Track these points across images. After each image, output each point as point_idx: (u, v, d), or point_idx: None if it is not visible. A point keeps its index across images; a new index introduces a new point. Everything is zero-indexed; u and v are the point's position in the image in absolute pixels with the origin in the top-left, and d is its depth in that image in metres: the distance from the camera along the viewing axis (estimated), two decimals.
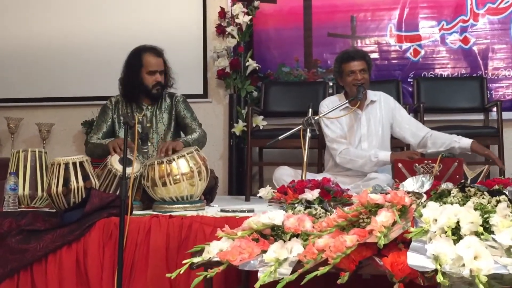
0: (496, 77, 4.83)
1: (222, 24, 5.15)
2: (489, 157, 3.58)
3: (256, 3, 5.11)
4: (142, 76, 3.58)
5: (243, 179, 4.88)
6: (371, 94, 3.85)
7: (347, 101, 3.68)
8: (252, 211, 2.90)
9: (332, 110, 3.62)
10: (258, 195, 2.99)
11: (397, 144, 4.12)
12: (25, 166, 3.40)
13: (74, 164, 3.02)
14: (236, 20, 5.05)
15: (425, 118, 4.44)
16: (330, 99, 3.95)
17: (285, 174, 3.62)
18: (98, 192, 2.92)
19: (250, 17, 5.06)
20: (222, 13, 5.15)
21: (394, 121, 3.84)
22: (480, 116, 4.76)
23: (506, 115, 4.54)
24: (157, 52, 3.63)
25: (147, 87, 3.59)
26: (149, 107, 3.67)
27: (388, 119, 3.84)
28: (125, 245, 2.64)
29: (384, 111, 3.84)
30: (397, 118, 3.84)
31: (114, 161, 3.16)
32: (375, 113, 3.83)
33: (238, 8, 5.04)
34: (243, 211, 2.92)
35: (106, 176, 3.14)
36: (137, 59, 3.60)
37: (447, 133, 4.14)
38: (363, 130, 3.80)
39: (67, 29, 5.50)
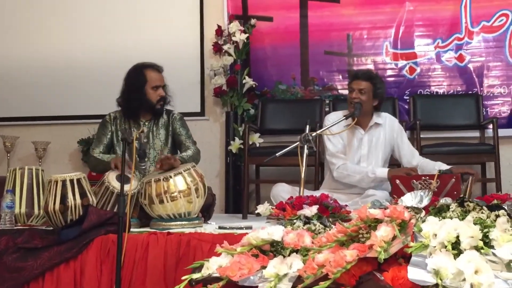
0: (491, 95, 4.86)
1: (219, 42, 5.18)
2: (466, 172, 3.51)
3: (253, 21, 5.15)
4: (146, 91, 3.61)
5: (240, 197, 4.86)
6: (377, 117, 3.88)
7: (344, 117, 3.71)
8: (250, 228, 2.89)
9: (333, 125, 3.66)
10: (256, 211, 2.98)
11: (395, 162, 4.12)
12: (21, 184, 3.38)
13: (72, 181, 3.01)
14: (233, 38, 5.08)
15: (421, 136, 4.46)
16: (336, 114, 3.98)
17: (282, 191, 3.63)
18: (96, 209, 2.91)
19: (247, 35, 5.09)
20: (219, 31, 5.18)
21: (395, 144, 3.89)
22: (476, 133, 4.78)
23: (502, 132, 4.56)
24: (158, 67, 3.69)
25: (151, 102, 3.61)
26: (147, 123, 3.68)
27: (390, 142, 3.88)
28: (123, 263, 2.63)
29: (388, 135, 3.88)
30: (398, 143, 3.89)
31: (112, 178, 3.16)
32: (378, 136, 3.86)
33: (235, 26, 5.07)
34: (241, 228, 2.92)
35: (104, 193, 3.13)
36: (140, 75, 3.63)
37: (443, 150, 4.21)
38: (363, 151, 3.83)
39: (64, 48, 5.52)
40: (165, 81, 3.71)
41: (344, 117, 3.72)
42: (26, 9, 5.63)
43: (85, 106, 5.42)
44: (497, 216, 1.87)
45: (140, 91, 3.61)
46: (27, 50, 5.58)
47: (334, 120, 3.76)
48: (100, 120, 3.79)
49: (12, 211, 3.17)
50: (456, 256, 1.71)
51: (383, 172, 3.64)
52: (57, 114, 5.51)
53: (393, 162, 4.14)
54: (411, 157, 3.86)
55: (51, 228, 3.05)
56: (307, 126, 3.37)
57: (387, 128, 3.89)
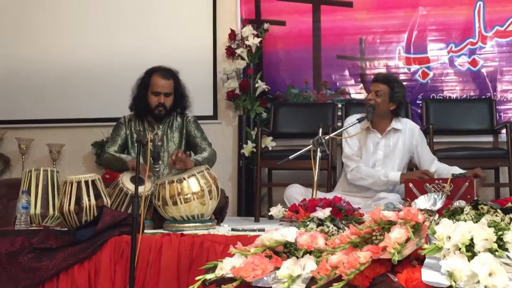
0: (504, 99, 4.84)
1: (232, 46, 5.20)
2: (474, 174, 3.50)
3: (265, 26, 5.16)
4: (148, 95, 3.67)
5: (252, 200, 4.88)
6: (396, 122, 3.85)
7: (357, 120, 3.73)
8: (263, 230, 2.89)
9: (347, 128, 3.71)
10: (269, 213, 2.99)
11: (412, 166, 4.11)
12: (37, 185, 3.41)
13: (86, 182, 3.04)
14: (246, 42, 5.09)
15: (434, 140, 4.44)
16: (355, 116, 3.94)
17: (296, 192, 3.64)
18: (110, 210, 2.94)
19: (260, 39, 5.11)
20: (232, 35, 5.20)
21: (414, 151, 3.87)
22: (489, 138, 4.76)
23: None
24: (166, 74, 3.70)
25: (150, 107, 3.66)
26: (161, 126, 3.71)
27: (410, 149, 3.86)
28: (136, 263, 2.65)
29: (408, 141, 3.85)
30: (418, 150, 3.87)
31: (126, 180, 3.19)
32: (396, 141, 3.84)
33: (248, 30, 5.09)
34: (254, 230, 2.93)
35: (118, 195, 3.16)
36: (146, 79, 3.70)
37: (457, 154, 4.20)
38: (379, 155, 3.81)
39: (79, 50, 5.56)
40: (181, 86, 3.74)
41: (357, 120, 3.72)
42: (40, 11, 5.67)
43: (99, 109, 5.45)
44: (511, 219, 1.88)
45: (142, 94, 3.68)
46: (42, 53, 5.62)
47: (354, 122, 3.77)
48: (114, 123, 3.84)
49: (28, 211, 3.20)
50: (470, 258, 1.72)
51: (396, 176, 3.65)
52: (72, 117, 5.54)
53: (410, 167, 4.13)
54: (430, 163, 3.82)
55: (66, 229, 3.07)
56: (320, 129, 3.38)
57: (407, 134, 3.85)
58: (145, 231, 2.86)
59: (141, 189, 2.93)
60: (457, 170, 3.59)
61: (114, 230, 2.84)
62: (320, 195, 3.23)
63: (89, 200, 3.01)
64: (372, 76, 4.31)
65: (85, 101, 5.53)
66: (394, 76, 4.46)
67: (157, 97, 3.65)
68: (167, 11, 5.48)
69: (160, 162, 3.46)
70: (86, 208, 2.99)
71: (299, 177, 4.57)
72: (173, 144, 3.70)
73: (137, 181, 2.78)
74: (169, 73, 3.72)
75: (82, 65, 5.54)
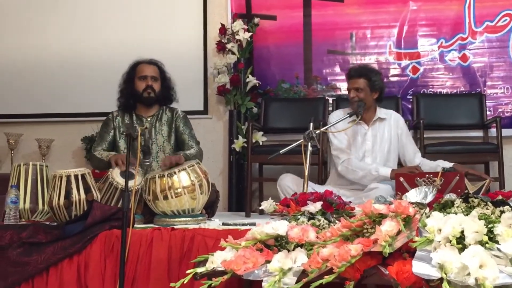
0: (495, 94, 4.86)
1: (223, 40, 5.19)
2: (473, 175, 3.55)
3: (256, 20, 5.15)
4: (135, 83, 3.71)
5: (243, 195, 4.87)
6: (381, 112, 3.91)
7: (348, 114, 3.73)
8: (254, 225, 2.89)
9: (337, 122, 3.69)
10: (260, 208, 2.99)
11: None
12: (26, 180, 3.39)
13: (76, 176, 3.02)
14: (237, 37, 5.08)
15: (424, 135, 4.45)
16: (341, 111, 3.99)
17: (289, 181, 3.65)
18: (100, 205, 2.92)
19: (250, 33, 5.09)
20: (223, 30, 5.18)
21: (399, 141, 3.90)
22: (480, 133, 4.78)
23: (505, 131, 4.55)
24: (150, 61, 3.78)
25: (138, 91, 3.68)
26: (149, 119, 3.71)
27: (395, 138, 3.90)
28: (126, 258, 2.63)
29: (393, 131, 3.90)
30: (403, 139, 3.91)
31: (116, 174, 3.17)
32: (382, 131, 3.88)
33: (239, 25, 5.08)
34: (245, 224, 2.92)
35: (108, 189, 3.14)
36: (131, 70, 3.76)
37: (447, 149, 4.22)
38: (367, 146, 3.85)
39: (68, 45, 5.52)
40: (165, 75, 3.79)
41: (348, 115, 3.73)
42: (27, 7, 5.63)
43: (88, 104, 5.42)
44: (502, 211, 1.88)
45: (130, 83, 3.72)
46: (32, 48, 5.58)
47: (340, 117, 3.77)
48: (103, 118, 3.83)
49: (17, 206, 3.17)
50: (460, 250, 1.72)
51: (387, 171, 3.66)
52: (61, 111, 5.51)
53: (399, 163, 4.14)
54: (413, 155, 3.88)
55: (56, 223, 3.05)
56: (311, 123, 3.37)
57: (392, 123, 3.92)
58: (135, 225, 2.85)
59: (131, 183, 2.91)
60: (442, 163, 3.61)
61: (104, 225, 2.82)
62: (313, 186, 3.23)
63: (79, 194, 2.99)
64: None
65: (74, 95, 5.50)
66: (365, 65, 4.48)
67: (144, 81, 3.69)
68: (157, 5, 5.46)
69: (150, 156, 3.46)
70: (75, 202, 2.97)
71: (290, 172, 4.56)
72: (161, 137, 3.70)
73: (127, 174, 2.76)
74: (153, 61, 3.80)
75: (71, 59, 5.50)
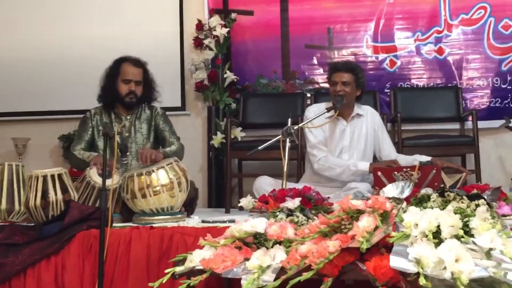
0: (470, 87, 4.90)
1: (200, 36, 5.16)
2: (451, 168, 3.58)
3: (233, 15, 5.13)
4: (117, 84, 3.63)
5: (222, 191, 4.86)
6: (358, 108, 3.91)
7: (326, 109, 3.73)
8: (233, 221, 2.89)
9: (315, 118, 3.66)
10: (239, 205, 2.99)
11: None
12: (1, 180, 3.33)
13: (53, 176, 2.99)
14: (214, 33, 5.06)
15: (402, 128, 4.49)
16: (318, 106, 4.00)
17: (265, 183, 3.65)
18: (77, 204, 2.89)
19: (228, 29, 5.07)
20: (200, 26, 5.16)
21: (375, 138, 3.92)
22: (456, 126, 4.82)
23: (481, 124, 4.61)
24: (136, 62, 3.68)
25: (120, 95, 3.62)
26: (128, 117, 3.68)
27: (372, 134, 3.91)
28: (105, 257, 2.61)
29: (370, 126, 3.92)
30: (379, 136, 3.94)
31: (93, 174, 3.14)
32: (360, 127, 3.90)
33: (216, 20, 5.05)
34: (224, 222, 2.92)
35: (85, 189, 3.11)
36: (115, 67, 3.67)
37: (424, 142, 4.26)
38: (345, 142, 3.86)
39: (43, 42, 5.45)
40: (149, 77, 3.72)
41: (326, 110, 3.73)
42: (4, 2, 5.56)
43: (65, 101, 5.36)
44: (477, 205, 1.90)
45: (112, 83, 3.65)
46: (6, 45, 5.50)
47: (316, 112, 3.77)
48: (81, 116, 3.78)
49: None
50: (437, 245, 1.73)
51: (365, 165, 3.67)
52: (38, 109, 5.45)
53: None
54: (389, 152, 3.91)
55: (33, 224, 3.02)
56: (289, 119, 3.38)
57: (369, 119, 3.94)
58: (113, 224, 2.82)
59: (109, 182, 2.89)
60: (419, 157, 3.64)
61: (81, 225, 2.80)
62: (290, 185, 3.23)
63: (56, 194, 2.96)
64: None
65: (51, 94, 5.43)
66: (351, 61, 4.50)
67: (128, 85, 3.63)
68: (133, 1, 5.41)
69: (128, 154, 3.43)
70: (52, 202, 2.94)
71: (269, 168, 4.57)
72: (140, 135, 3.67)
73: (105, 173, 2.73)
74: (139, 62, 3.71)
75: (47, 57, 5.44)
